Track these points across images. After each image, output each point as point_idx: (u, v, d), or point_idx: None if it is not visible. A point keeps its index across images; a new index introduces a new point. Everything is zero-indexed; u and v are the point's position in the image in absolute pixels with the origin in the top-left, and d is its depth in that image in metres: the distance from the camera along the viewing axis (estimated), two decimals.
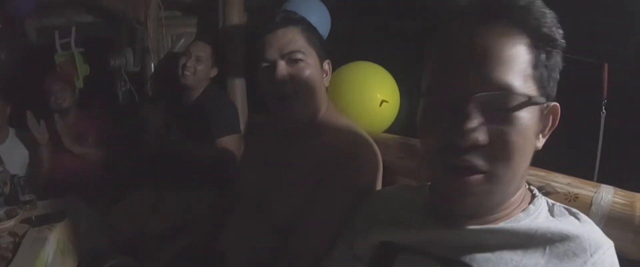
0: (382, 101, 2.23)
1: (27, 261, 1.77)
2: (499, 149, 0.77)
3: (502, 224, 0.85)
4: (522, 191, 0.90)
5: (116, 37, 3.57)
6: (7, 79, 3.48)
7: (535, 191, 0.93)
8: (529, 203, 0.90)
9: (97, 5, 3.56)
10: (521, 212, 0.87)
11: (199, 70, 2.73)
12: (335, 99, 2.09)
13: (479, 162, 0.78)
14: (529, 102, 0.77)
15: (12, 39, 3.59)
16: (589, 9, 2.08)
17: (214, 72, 2.85)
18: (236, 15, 3.18)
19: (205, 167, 2.54)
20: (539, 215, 0.87)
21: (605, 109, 2.19)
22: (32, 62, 3.59)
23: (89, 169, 3.09)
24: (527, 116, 0.78)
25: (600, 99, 2.14)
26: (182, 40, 3.49)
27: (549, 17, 0.80)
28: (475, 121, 0.76)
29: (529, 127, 0.79)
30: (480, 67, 0.77)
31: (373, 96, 2.23)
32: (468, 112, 0.76)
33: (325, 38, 2.58)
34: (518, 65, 0.77)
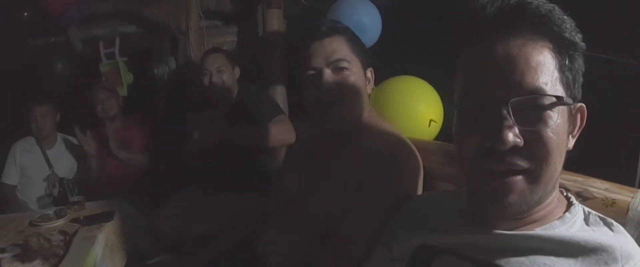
0: (431, 121, 2.29)
1: (78, 258, 1.83)
2: (537, 149, 0.80)
3: (537, 230, 0.87)
4: (557, 196, 0.92)
5: (159, 47, 3.71)
6: (57, 88, 3.63)
7: (572, 198, 0.94)
8: (566, 211, 0.91)
9: (140, 16, 3.68)
10: (557, 219, 0.88)
11: (225, 79, 2.77)
12: (382, 112, 2.14)
13: (519, 162, 0.81)
14: (558, 102, 0.81)
15: (66, 49, 3.74)
16: (630, 12, 2.05)
17: (237, 73, 2.88)
18: (276, 24, 3.25)
19: (247, 171, 2.59)
20: (574, 224, 0.88)
21: None
22: (78, 70, 3.74)
23: (134, 172, 3.20)
24: (558, 116, 0.81)
25: None
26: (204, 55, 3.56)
27: (569, 23, 0.83)
28: (512, 125, 0.79)
29: (561, 126, 0.82)
30: (512, 73, 0.80)
31: (421, 115, 2.31)
32: (505, 116, 0.79)
33: (376, 40, 2.62)
34: (545, 70, 0.81)
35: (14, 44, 3.75)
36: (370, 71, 1.57)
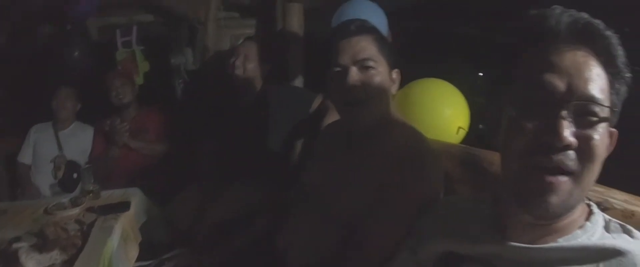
0: (459, 128, 2.29)
1: (96, 249, 1.81)
2: (586, 153, 0.84)
3: (560, 241, 0.90)
4: (583, 205, 0.95)
5: (176, 37, 3.72)
6: (76, 76, 3.67)
7: (593, 207, 0.97)
8: (586, 220, 0.93)
9: (158, 5, 3.69)
10: (578, 228, 0.91)
11: (248, 68, 2.70)
12: (408, 116, 2.12)
13: (569, 162, 0.84)
14: (608, 117, 0.87)
15: (80, 38, 3.77)
16: None
17: (266, 69, 2.80)
18: (295, 17, 3.24)
19: (264, 162, 2.57)
20: (595, 232, 0.91)
21: None
22: (95, 58, 3.77)
23: (150, 162, 3.23)
24: (605, 128, 0.87)
25: None
26: (241, 41, 3.54)
27: (622, 53, 0.90)
28: (571, 125, 0.84)
29: (605, 138, 0.88)
30: (578, 79, 0.85)
31: (448, 120, 2.31)
32: (565, 115, 0.84)
33: None
34: (602, 84, 0.87)
35: (29, 28, 3.78)
36: (396, 72, 1.59)
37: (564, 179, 0.84)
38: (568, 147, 0.83)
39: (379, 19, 2.65)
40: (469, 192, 1.67)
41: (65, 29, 3.76)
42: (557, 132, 0.83)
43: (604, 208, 1.19)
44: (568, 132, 0.83)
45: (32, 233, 1.94)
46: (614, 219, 0.95)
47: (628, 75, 0.90)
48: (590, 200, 1.00)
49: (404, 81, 2.40)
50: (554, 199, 0.85)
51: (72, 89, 3.48)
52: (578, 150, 0.84)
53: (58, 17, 3.68)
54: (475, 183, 1.72)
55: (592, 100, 0.84)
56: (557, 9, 0.90)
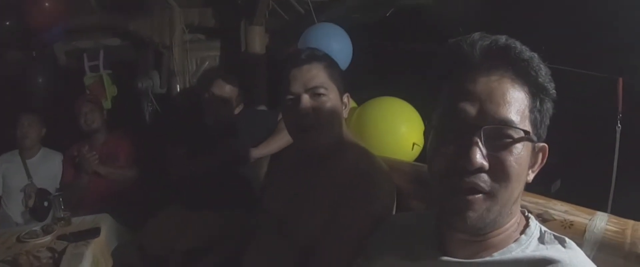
0: (414, 144, 2.39)
1: None
2: (499, 173, 0.88)
3: (496, 255, 0.94)
4: (517, 220, 0.98)
5: (143, 60, 3.75)
6: (44, 102, 3.67)
7: (531, 219, 1.00)
8: (522, 233, 0.96)
9: (125, 29, 3.72)
10: (514, 242, 0.94)
11: (222, 112, 2.80)
12: (365, 134, 2.23)
13: (481, 183, 0.88)
14: (524, 137, 0.89)
15: (47, 63, 3.77)
16: (603, 24, 2.14)
17: (239, 110, 2.90)
18: (258, 41, 3.32)
19: (231, 186, 2.64)
20: (529, 244, 0.94)
21: (620, 123, 2.25)
22: (62, 83, 3.78)
23: (121, 187, 3.23)
24: (522, 148, 0.89)
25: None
26: (206, 63, 3.64)
27: (544, 71, 0.92)
28: (481, 149, 0.87)
29: (524, 157, 0.90)
30: (489, 104, 0.88)
31: (403, 137, 2.40)
32: (475, 141, 0.87)
33: (347, 65, 2.67)
34: (517, 106, 0.89)
35: None
36: (347, 97, 1.65)
37: (478, 196, 0.88)
38: (480, 169, 0.87)
39: (343, 42, 2.73)
40: (424, 207, 1.67)
41: (31, 55, 3.77)
42: (468, 157, 0.86)
43: (543, 220, 1.24)
44: (479, 156, 0.86)
45: (5, 262, 1.99)
46: (549, 231, 0.97)
47: (552, 92, 0.93)
48: (530, 212, 1.02)
49: (370, 97, 2.51)
50: (472, 215, 0.88)
51: (34, 115, 3.45)
52: (491, 171, 0.87)
53: (25, 42, 3.69)
54: (427, 197, 1.71)
55: (504, 123, 0.87)
56: (476, 35, 0.93)
